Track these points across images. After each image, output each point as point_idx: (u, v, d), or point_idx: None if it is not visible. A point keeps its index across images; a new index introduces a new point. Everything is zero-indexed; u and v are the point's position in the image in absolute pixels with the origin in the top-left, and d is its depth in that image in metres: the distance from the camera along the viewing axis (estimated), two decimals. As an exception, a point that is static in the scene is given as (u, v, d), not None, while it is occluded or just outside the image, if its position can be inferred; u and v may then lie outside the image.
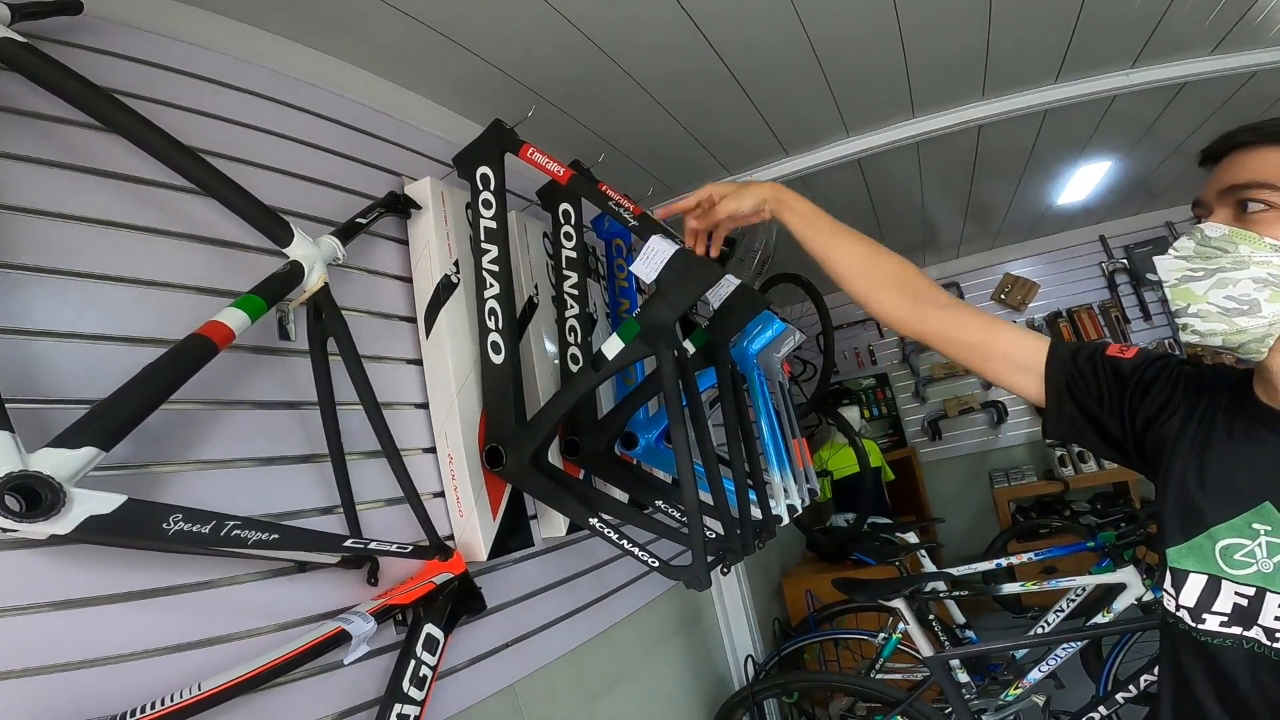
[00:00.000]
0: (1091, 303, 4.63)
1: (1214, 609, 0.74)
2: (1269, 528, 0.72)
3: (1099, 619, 2.34)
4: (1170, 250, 0.78)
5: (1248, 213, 0.74)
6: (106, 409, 0.79)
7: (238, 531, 0.86)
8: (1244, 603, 0.72)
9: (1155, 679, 2.03)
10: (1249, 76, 2.41)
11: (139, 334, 0.99)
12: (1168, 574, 0.79)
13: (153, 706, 0.80)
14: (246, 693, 0.89)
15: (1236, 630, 0.73)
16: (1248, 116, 2.65)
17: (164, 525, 0.80)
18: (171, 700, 0.82)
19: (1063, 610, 2.60)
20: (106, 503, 0.76)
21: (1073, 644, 2.31)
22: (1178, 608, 0.77)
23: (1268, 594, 0.71)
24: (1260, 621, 0.71)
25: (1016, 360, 0.94)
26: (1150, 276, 4.46)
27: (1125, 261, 4.57)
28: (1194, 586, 0.76)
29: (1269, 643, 0.71)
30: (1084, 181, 3.62)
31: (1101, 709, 2.11)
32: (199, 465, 1.01)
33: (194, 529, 0.82)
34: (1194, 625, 0.76)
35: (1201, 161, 0.83)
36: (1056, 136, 2.87)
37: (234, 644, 0.99)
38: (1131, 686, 2.05)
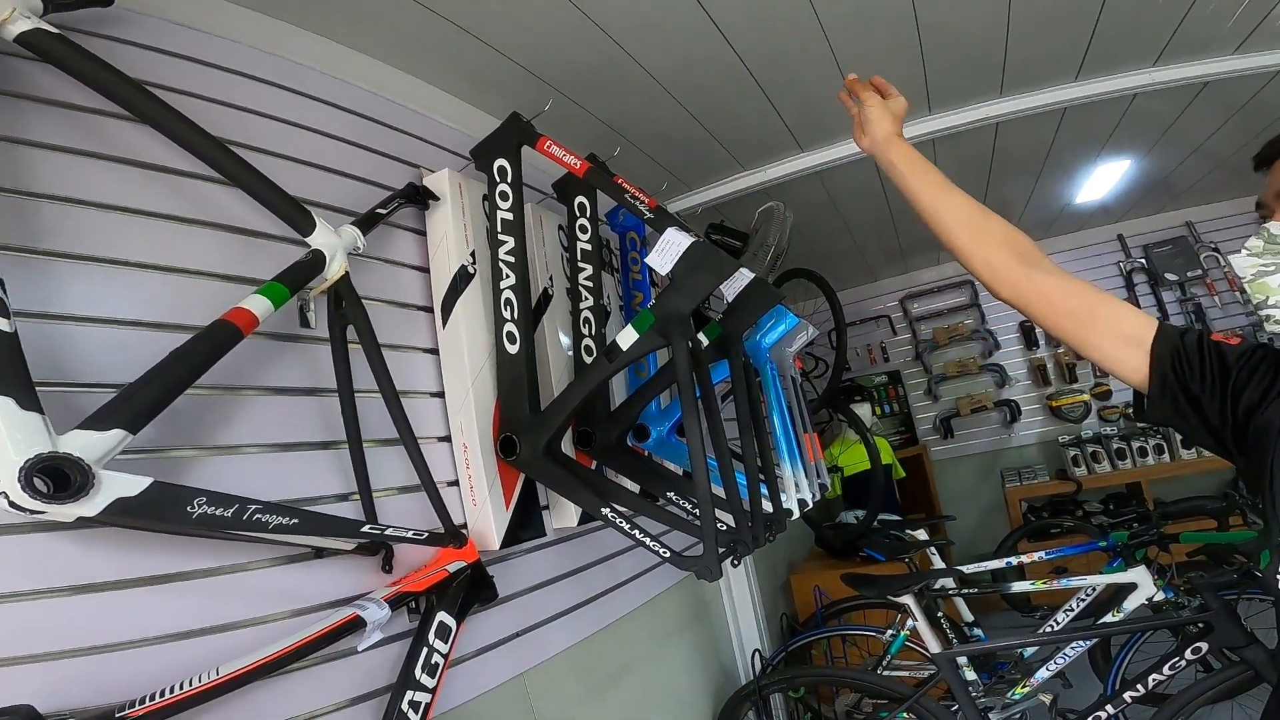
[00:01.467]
0: (1108, 302, 4.59)
1: None
2: None
3: (1108, 619, 2.33)
4: (1243, 249, 0.85)
5: None
6: (135, 392, 0.80)
7: (259, 515, 0.87)
8: None
9: (1163, 679, 2.02)
10: (1271, 77, 2.38)
11: (166, 320, 1.01)
12: None
13: (172, 691, 0.82)
14: (263, 677, 0.90)
15: None
16: (1269, 116, 2.62)
17: (189, 508, 0.81)
18: (190, 685, 0.83)
19: (1072, 610, 2.58)
20: (133, 485, 0.77)
21: (1081, 643, 2.31)
22: None
23: None
24: None
25: (1121, 332, 0.90)
26: (1169, 276, 4.42)
27: (1144, 261, 4.52)
28: None
29: None
30: (1102, 180, 3.58)
31: (1109, 708, 2.10)
32: (220, 450, 1.03)
33: (217, 512, 0.83)
34: None
35: (1256, 167, 0.90)
36: (1075, 135, 2.84)
37: (251, 629, 1.00)
38: (1139, 686, 2.04)
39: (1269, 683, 1.86)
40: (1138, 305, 4.50)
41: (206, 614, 0.96)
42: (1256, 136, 0.89)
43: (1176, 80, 2.29)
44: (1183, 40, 2.12)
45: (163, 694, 0.81)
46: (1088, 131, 2.86)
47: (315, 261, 1.08)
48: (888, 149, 1.12)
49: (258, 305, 0.94)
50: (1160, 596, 2.25)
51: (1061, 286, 0.96)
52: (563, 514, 1.61)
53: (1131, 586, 2.32)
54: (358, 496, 1.17)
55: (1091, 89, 2.32)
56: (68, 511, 0.73)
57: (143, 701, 0.80)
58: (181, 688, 0.82)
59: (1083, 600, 2.57)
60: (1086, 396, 4.58)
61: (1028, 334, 4.72)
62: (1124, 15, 1.92)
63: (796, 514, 1.77)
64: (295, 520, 0.91)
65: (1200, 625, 2.00)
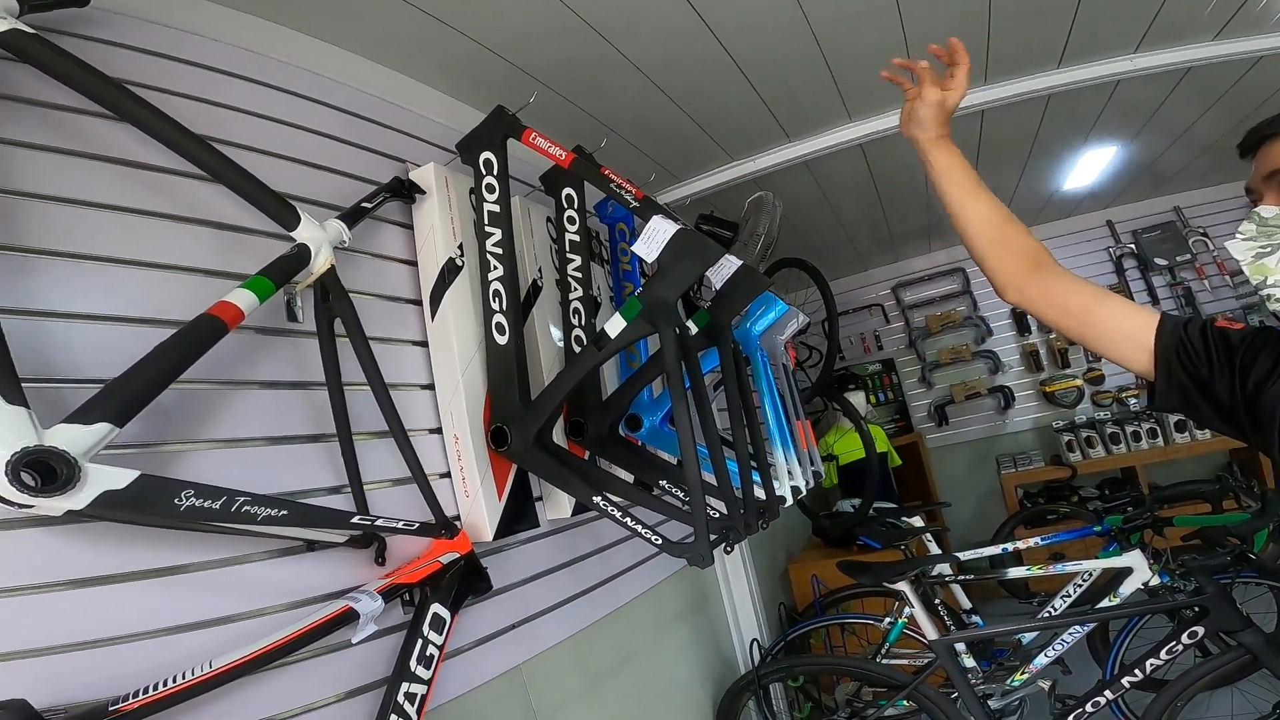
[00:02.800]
0: (1099, 288, 4.61)
1: None
2: None
3: (1105, 603, 2.34)
4: (1236, 234, 0.87)
5: None
6: (120, 386, 0.81)
7: (248, 508, 0.87)
8: None
9: (1161, 663, 2.03)
10: (1253, 62, 2.39)
11: (150, 315, 1.01)
12: None
13: (165, 685, 0.82)
14: (256, 670, 0.91)
15: None
16: (1252, 102, 2.64)
17: (176, 501, 0.81)
18: (183, 678, 0.84)
19: (1069, 595, 2.59)
20: (120, 478, 0.78)
21: (1079, 628, 2.31)
22: None
23: None
24: None
25: (1124, 329, 0.95)
26: (1159, 261, 4.43)
27: (1133, 246, 4.53)
28: None
29: None
30: (1090, 167, 3.59)
31: (1108, 693, 2.11)
32: (209, 444, 1.03)
33: (206, 504, 0.83)
34: None
35: (1241, 155, 0.92)
36: (1061, 122, 2.85)
37: (244, 623, 1.01)
38: (1137, 670, 2.05)
39: (1268, 668, 1.86)
40: (1128, 291, 4.52)
41: (199, 608, 0.96)
42: (1240, 122, 0.93)
43: (1158, 67, 2.30)
44: (1162, 27, 2.12)
45: (155, 688, 0.81)
46: (1073, 118, 2.87)
47: (300, 255, 1.08)
48: (931, 149, 1.15)
49: (243, 299, 0.94)
50: (1156, 581, 2.25)
51: (1064, 288, 1.01)
52: (556, 505, 1.62)
53: (1127, 571, 2.32)
54: (349, 489, 1.17)
55: (1074, 76, 2.32)
56: (56, 505, 0.74)
57: (135, 695, 0.80)
58: (174, 681, 0.83)
59: (1079, 585, 2.58)
60: (1079, 381, 4.60)
61: (1020, 320, 4.74)
62: (1104, 1, 1.93)
63: (790, 501, 1.77)
64: (284, 512, 0.91)
65: (1195, 609, 2.01)
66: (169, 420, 0.99)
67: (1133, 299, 4.43)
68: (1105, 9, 1.98)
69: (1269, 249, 0.84)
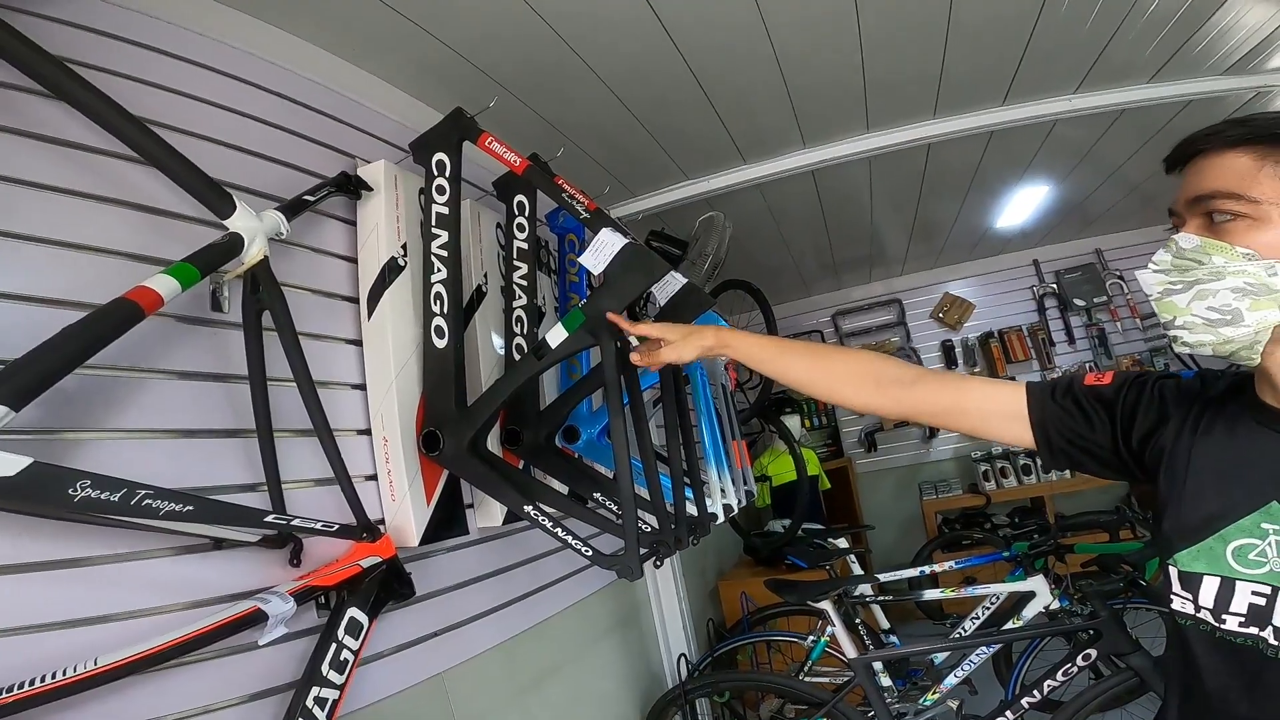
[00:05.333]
0: (1021, 325, 4.84)
1: (1231, 609, 0.74)
2: (1278, 526, 0.71)
3: (1009, 625, 2.45)
4: (1150, 264, 0.79)
5: (1216, 223, 0.75)
6: (20, 368, 0.76)
7: (149, 501, 0.83)
8: (1260, 602, 0.72)
9: (1057, 685, 2.14)
10: (1183, 106, 2.56)
11: (64, 296, 0.96)
12: (1175, 578, 0.79)
13: (41, 680, 0.77)
14: (148, 669, 0.86)
15: (1253, 630, 0.72)
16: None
17: (70, 491, 0.76)
18: (63, 674, 0.78)
19: (978, 617, 2.71)
20: (10, 465, 0.72)
21: (985, 649, 2.42)
22: (1198, 609, 0.77)
23: None
24: (1273, 621, 0.71)
25: (997, 411, 0.96)
26: (1077, 302, 4.70)
27: (1054, 286, 4.78)
28: (1209, 588, 0.75)
29: (1277, 643, 0.70)
30: (1023, 204, 3.77)
31: (1009, 713, 2.21)
32: (117, 433, 0.98)
33: (102, 496, 0.79)
34: (1217, 625, 0.75)
35: (1167, 170, 0.84)
36: (1000, 158, 2.98)
37: (141, 620, 0.95)
38: (1036, 691, 2.15)
39: (1154, 691, 1.98)
40: (1047, 329, 4.76)
41: (92, 603, 0.91)
42: (1166, 166, 0.89)
43: (1095, 107, 2.43)
44: (1103, 68, 2.25)
45: (31, 683, 0.76)
46: (1011, 155, 3.00)
47: (231, 244, 1.04)
48: (722, 350, 1.18)
49: (163, 285, 0.90)
50: (1056, 605, 2.37)
51: (924, 395, 1.02)
52: (488, 513, 1.59)
53: (1031, 595, 2.44)
54: (266, 487, 1.13)
55: (1017, 113, 2.44)
56: (-65, 492, 0.69)
57: (9, 690, 0.75)
58: (53, 677, 0.78)
59: (988, 608, 2.70)
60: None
61: (947, 353, 4.94)
62: (1052, 42, 2.03)
63: (721, 518, 1.80)
64: (189, 507, 0.87)
65: (1090, 632, 2.13)
66: (75, 406, 0.93)
67: (1051, 338, 4.73)
68: (1053, 48, 2.07)
69: (1180, 285, 0.76)
